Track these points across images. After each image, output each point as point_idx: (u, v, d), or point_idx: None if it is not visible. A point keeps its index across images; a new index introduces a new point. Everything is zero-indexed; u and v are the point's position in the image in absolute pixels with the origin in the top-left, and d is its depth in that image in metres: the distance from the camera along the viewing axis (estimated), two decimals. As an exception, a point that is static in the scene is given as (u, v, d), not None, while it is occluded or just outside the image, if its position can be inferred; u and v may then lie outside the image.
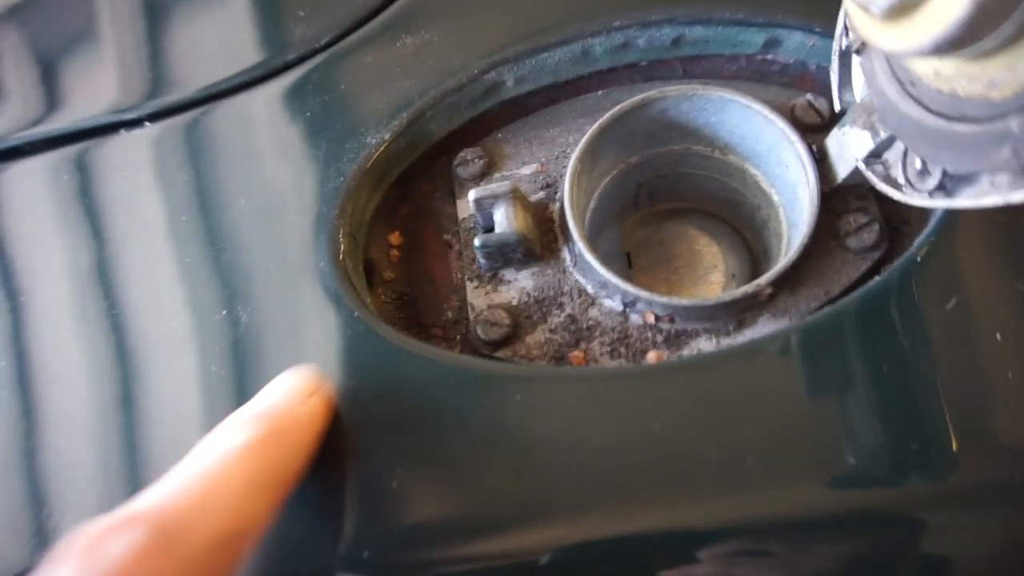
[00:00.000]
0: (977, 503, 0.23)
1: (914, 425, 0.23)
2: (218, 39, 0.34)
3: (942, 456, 0.23)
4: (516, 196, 0.29)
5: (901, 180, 0.25)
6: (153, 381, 0.28)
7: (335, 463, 0.25)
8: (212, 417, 0.27)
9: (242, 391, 0.27)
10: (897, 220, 0.29)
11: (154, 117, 0.33)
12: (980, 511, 0.23)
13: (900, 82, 0.22)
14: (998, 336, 0.23)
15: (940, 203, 0.22)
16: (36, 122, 0.35)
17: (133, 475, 0.27)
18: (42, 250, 0.32)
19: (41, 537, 0.25)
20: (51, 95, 0.35)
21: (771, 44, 0.31)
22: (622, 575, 0.22)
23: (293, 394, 0.23)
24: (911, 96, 0.22)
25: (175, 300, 0.29)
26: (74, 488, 0.27)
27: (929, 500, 0.23)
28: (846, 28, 0.27)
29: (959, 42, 0.17)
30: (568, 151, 0.32)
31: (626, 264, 0.37)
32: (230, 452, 0.21)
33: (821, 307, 0.27)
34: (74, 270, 0.30)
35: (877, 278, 0.26)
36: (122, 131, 0.34)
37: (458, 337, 0.30)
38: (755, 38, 0.31)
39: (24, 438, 0.28)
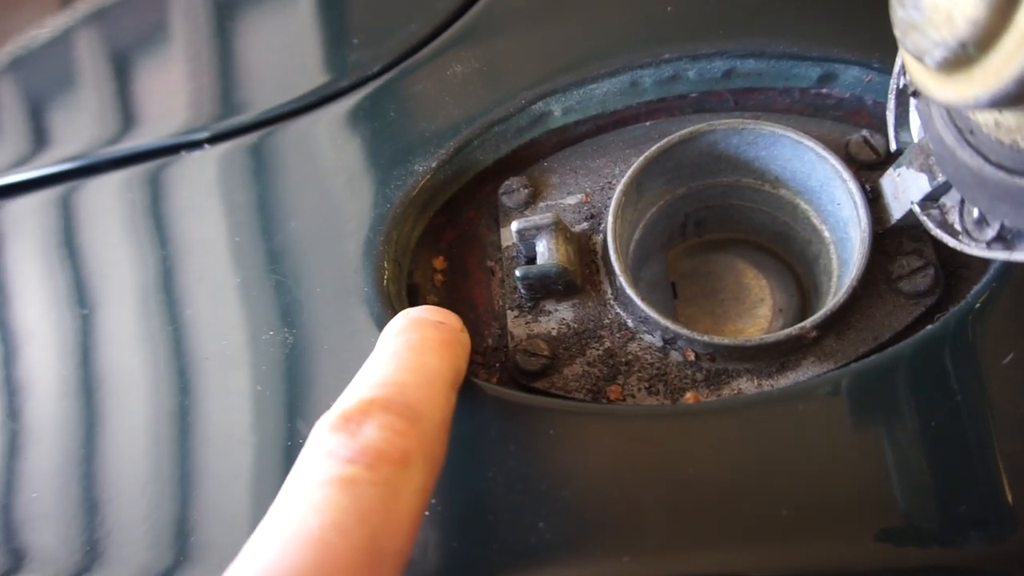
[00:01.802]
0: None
1: (962, 484, 0.22)
2: (274, 66, 0.36)
3: (990, 517, 0.22)
4: (559, 228, 0.29)
5: (958, 227, 0.24)
6: (202, 396, 0.29)
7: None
8: (256, 434, 0.28)
9: (286, 411, 0.28)
10: (954, 264, 0.28)
11: (213, 140, 0.35)
12: None
13: (958, 129, 0.21)
14: (1059, 396, 0.22)
15: (998, 255, 0.22)
16: (109, 141, 0.37)
17: (183, 486, 0.28)
18: (105, 265, 0.33)
19: (92, 544, 0.27)
20: (118, 117, 0.37)
21: (826, 78, 0.30)
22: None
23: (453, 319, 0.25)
24: (969, 144, 0.21)
25: (225, 319, 0.30)
26: (126, 496, 0.28)
27: (979, 561, 0.22)
28: (904, 66, 0.26)
29: (1018, 98, 0.16)
30: (614, 182, 0.32)
31: (671, 294, 0.36)
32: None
33: (869, 353, 0.26)
34: (131, 287, 0.32)
35: (930, 326, 0.25)
36: (183, 152, 0.35)
37: (497, 365, 0.31)
38: (810, 72, 0.30)
39: (81, 446, 0.29)
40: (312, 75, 0.34)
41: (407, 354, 0.22)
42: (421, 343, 0.23)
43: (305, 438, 0.20)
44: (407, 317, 0.24)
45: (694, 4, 0.31)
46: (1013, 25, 0.16)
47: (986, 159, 0.20)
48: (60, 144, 0.38)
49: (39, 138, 0.39)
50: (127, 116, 0.37)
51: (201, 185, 0.33)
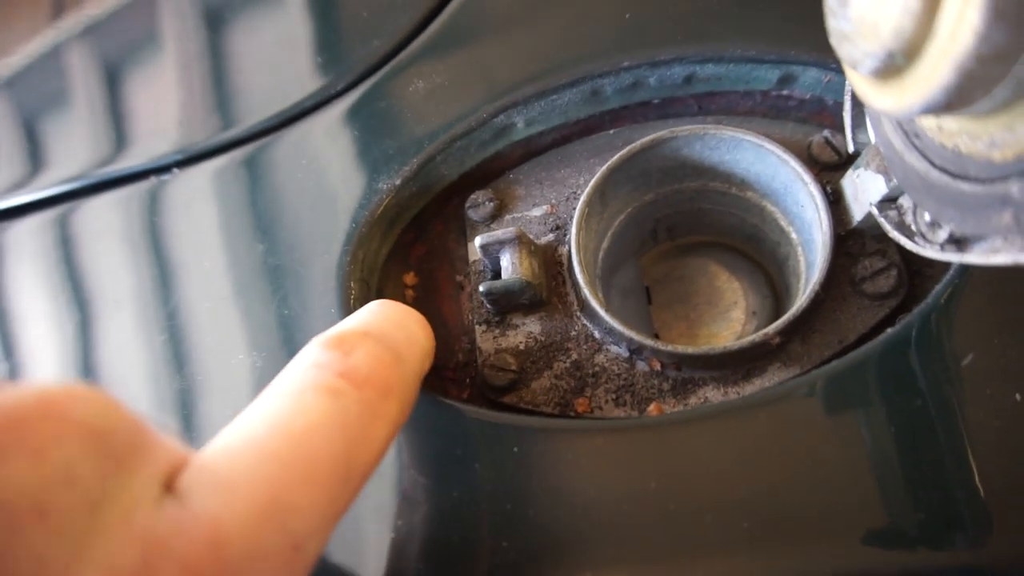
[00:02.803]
0: (997, 567, 0.22)
1: (930, 483, 0.22)
2: (235, 89, 0.36)
3: (959, 515, 0.22)
4: (522, 242, 0.29)
5: (914, 228, 0.24)
6: (170, 419, 0.30)
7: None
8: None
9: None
10: (918, 263, 0.28)
11: (181, 164, 0.35)
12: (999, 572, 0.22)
13: (905, 133, 0.21)
14: (1017, 396, 0.22)
15: (951, 257, 0.21)
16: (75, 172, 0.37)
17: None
18: (40, 296, 0.34)
19: None
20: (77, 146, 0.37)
21: (786, 80, 0.30)
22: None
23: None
24: (916, 148, 0.21)
25: (195, 345, 0.30)
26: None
27: (953, 559, 0.22)
28: (858, 68, 0.26)
29: (949, 106, 0.16)
30: (578, 192, 0.32)
31: (645, 300, 0.36)
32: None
33: (834, 356, 0.26)
34: (93, 314, 0.32)
35: (892, 329, 0.25)
36: (152, 177, 0.35)
37: (468, 380, 0.31)
38: (769, 74, 0.30)
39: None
40: (274, 96, 0.34)
41: (393, 314, 0.24)
42: (405, 312, 0.24)
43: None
44: (386, 301, 0.25)
45: (652, 11, 0.31)
46: (935, 34, 0.15)
47: (931, 163, 0.20)
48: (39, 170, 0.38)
49: (20, 161, 0.39)
50: (93, 143, 0.37)
51: (169, 210, 0.34)
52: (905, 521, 0.21)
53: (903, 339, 0.24)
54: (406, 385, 0.22)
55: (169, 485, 0.17)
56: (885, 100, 0.18)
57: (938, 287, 0.25)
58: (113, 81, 0.39)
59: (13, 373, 0.33)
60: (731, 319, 0.35)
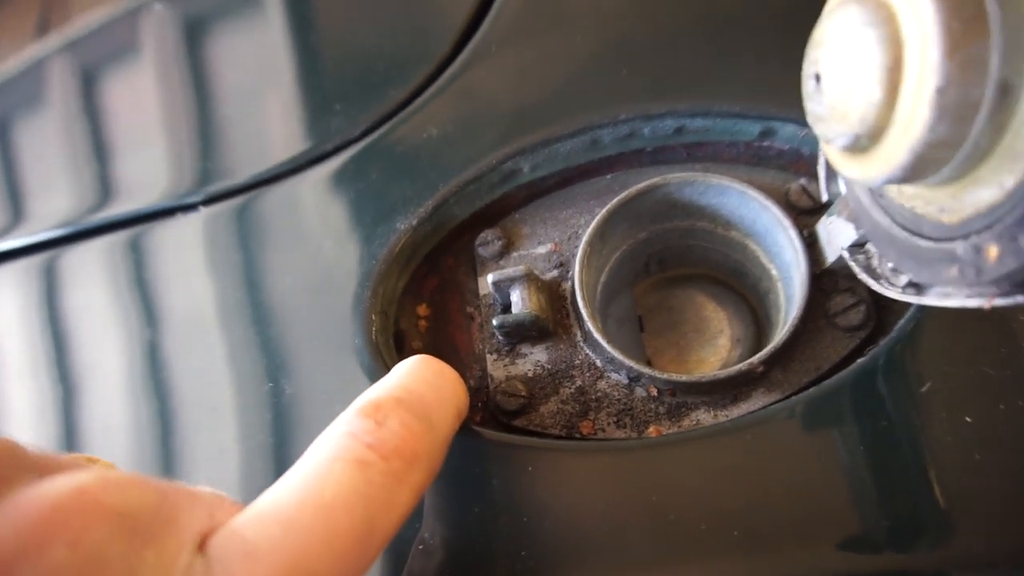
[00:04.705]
0: (957, 571, 0.25)
1: (892, 496, 0.25)
2: (261, 133, 0.38)
3: (918, 525, 0.25)
4: (530, 279, 0.32)
5: (880, 271, 0.27)
6: (204, 446, 0.32)
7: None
8: (256, 480, 0.30)
9: (284, 458, 0.30)
10: (884, 299, 0.31)
11: (207, 202, 0.37)
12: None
13: (871, 191, 0.25)
14: (967, 419, 0.25)
15: (911, 299, 0.25)
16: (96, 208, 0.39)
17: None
18: (103, 324, 0.36)
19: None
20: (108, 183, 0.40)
21: (767, 133, 0.34)
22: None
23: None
24: (880, 206, 0.24)
25: (228, 372, 0.33)
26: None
27: (918, 564, 0.25)
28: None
29: (906, 178, 0.20)
30: (580, 231, 0.35)
31: (638, 328, 0.39)
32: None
33: (812, 383, 0.29)
34: (133, 343, 0.34)
35: (861, 359, 0.28)
36: (179, 214, 0.38)
37: (480, 404, 0.33)
38: (751, 128, 0.34)
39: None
40: (297, 140, 0.37)
41: (428, 375, 0.26)
42: (440, 371, 0.26)
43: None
44: (424, 357, 0.27)
45: (647, 69, 0.34)
46: (894, 123, 0.19)
47: (893, 220, 0.23)
48: (42, 213, 0.40)
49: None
50: (108, 183, 0.40)
51: (198, 246, 0.36)
52: (874, 527, 0.25)
53: (871, 368, 0.27)
54: (434, 451, 0.23)
55: (203, 545, 0.19)
56: (853, 171, 0.21)
57: (901, 321, 0.28)
58: (121, 116, 0.41)
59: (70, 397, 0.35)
60: (718, 346, 0.38)
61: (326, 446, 0.22)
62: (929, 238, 0.22)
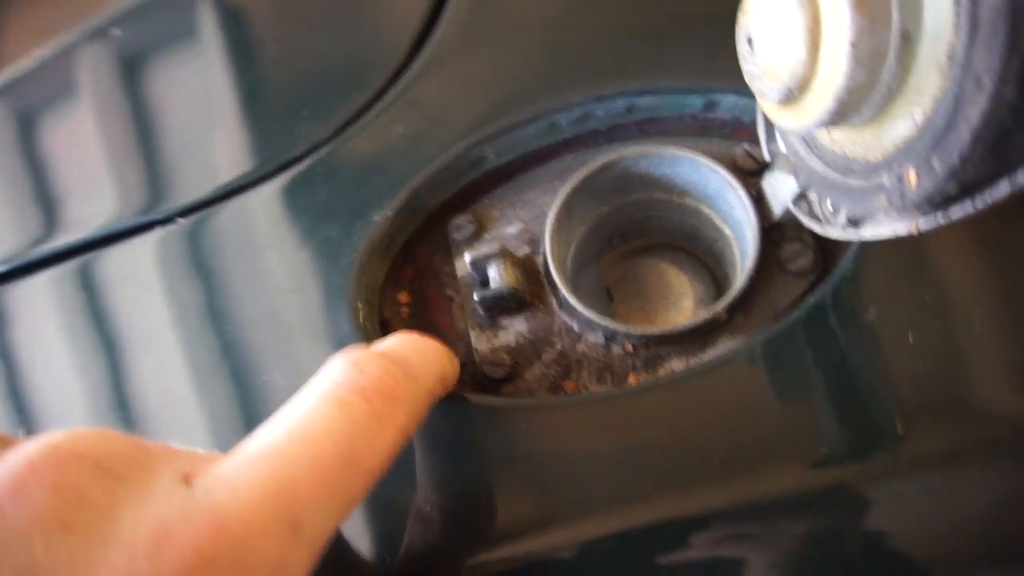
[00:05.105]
0: (913, 469, 0.27)
1: (851, 412, 0.28)
2: (231, 144, 0.40)
3: (876, 435, 0.28)
4: (505, 254, 0.34)
5: (821, 216, 0.30)
6: (203, 441, 0.33)
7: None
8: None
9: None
10: (828, 244, 0.34)
11: (184, 213, 0.38)
12: (917, 476, 0.27)
13: (806, 143, 0.28)
14: (910, 337, 0.28)
15: (850, 235, 0.28)
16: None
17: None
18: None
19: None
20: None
21: (710, 105, 0.37)
22: (629, 565, 0.27)
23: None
24: (815, 154, 0.27)
25: (223, 370, 0.34)
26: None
27: (874, 472, 0.28)
28: (765, 93, 0.32)
29: (833, 121, 0.23)
30: (546, 210, 0.37)
31: (607, 298, 0.42)
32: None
33: (771, 324, 0.32)
34: (125, 346, 0.35)
35: (811, 297, 0.31)
36: (157, 228, 0.39)
37: (467, 378, 0.35)
38: (696, 101, 0.37)
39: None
40: (268, 146, 0.39)
41: (409, 341, 0.28)
42: (422, 338, 0.28)
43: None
44: (407, 332, 0.29)
45: (596, 55, 0.37)
46: (817, 75, 0.22)
47: (828, 165, 0.26)
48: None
49: None
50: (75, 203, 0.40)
51: (181, 256, 0.37)
52: (837, 441, 0.27)
53: (822, 304, 0.30)
54: (414, 398, 0.24)
55: (186, 480, 0.20)
56: (787, 120, 0.24)
57: (843, 262, 0.31)
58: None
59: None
60: (682, 308, 0.41)
61: (310, 392, 0.23)
62: (859, 176, 0.24)
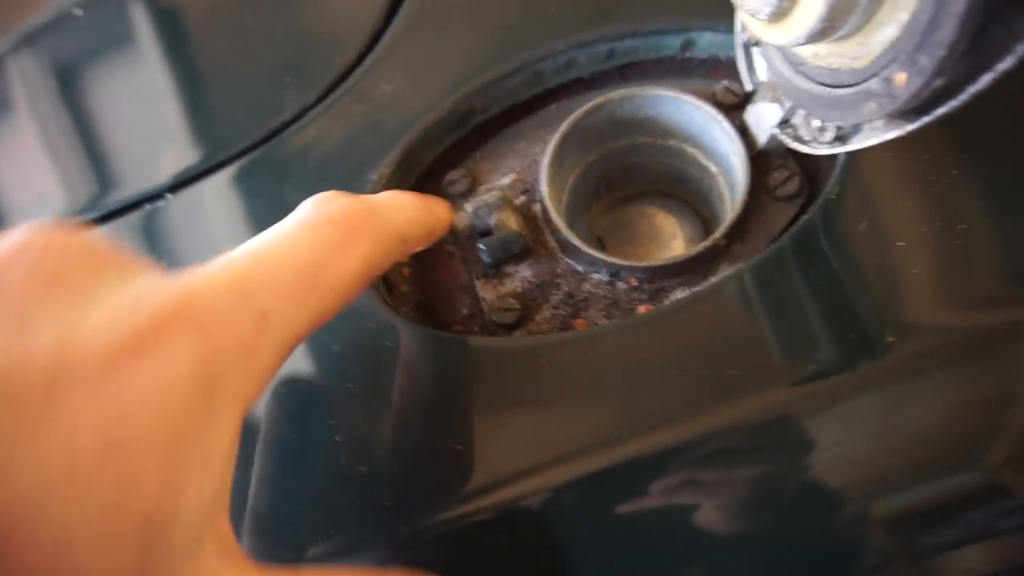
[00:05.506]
0: (909, 373, 0.29)
1: (852, 321, 0.29)
2: (223, 110, 0.39)
3: (876, 341, 0.29)
4: (505, 202, 0.35)
5: (807, 137, 0.31)
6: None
7: (392, 436, 0.30)
8: (290, 424, 0.32)
9: (314, 399, 0.32)
10: (812, 169, 0.36)
11: (173, 189, 0.38)
12: (913, 379, 0.29)
13: (791, 64, 0.29)
14: (900, 244, 0.30)
15: (839, 149, 0.29)
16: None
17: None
18: None
19: None
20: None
21: (687, 45, 0.38)
22: (652, 481, 0.28)
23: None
24: (801, 73, 0.28)
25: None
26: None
27: (872, 377, 0.29)
28: (743, 25, 0.33)
29: (822, 33, 0.24)
30: (537, 159, 0.38)
31: (600, 247, 0.43)
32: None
33: (766, 248, 0.34)
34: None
35: (804, 217, 0.32)
36: (145, 206, 0.38)
37: (476, 328, 0.36)
38: (674, 42, 0.38)
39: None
40: (255, 117, 0.38)
41: (387, 193, 0.29)
42: (399, 193, 0.30)
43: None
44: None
45: (577, 2, 0.38)
46: (808, -15, 0.23)
47: (814, 81, 0.28)
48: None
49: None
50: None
51: (176, 230, 0.37)
52: (840, 346, 0.29)
53: (814, 223, 0.32)
54: (377, 231, 0.25)
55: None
56: (777, 36, 0.25)
57: (830, 181, 0.33)
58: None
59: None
60: (673, 248, 0.42)
61: (277, 224, 0.24)
62: (848, 86, 0.26)
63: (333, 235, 0.24)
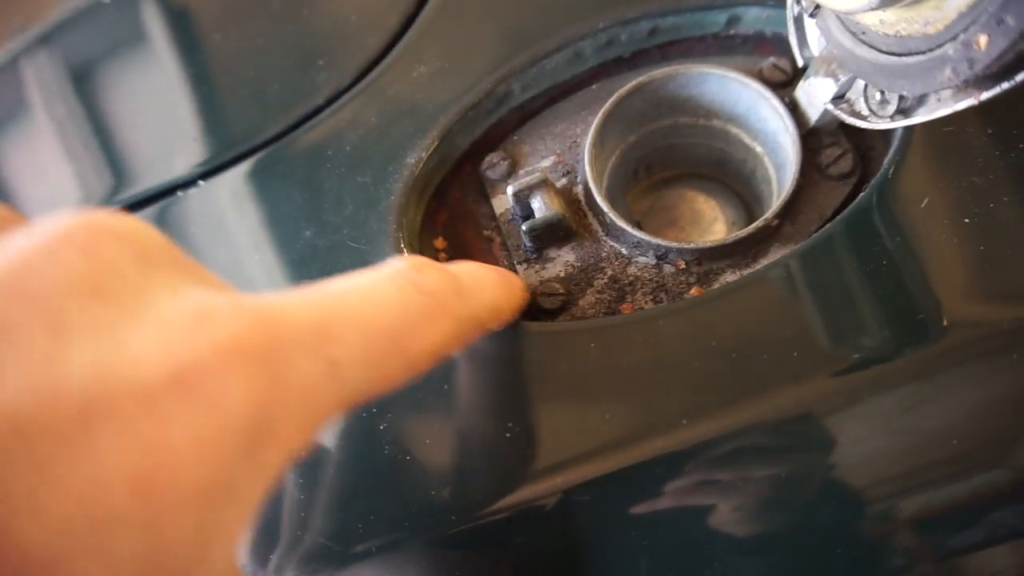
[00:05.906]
0: (969, 358, 0.28)
1: (912, 304, 0.28)
2: (256, 94, 0.39)
3: (936, 325, 0.28)
4: (547, 184, 0.34)
5: (865, 112, 0.30)
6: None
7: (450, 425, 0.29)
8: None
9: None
10: (864, 147, 0.34)
11: (207, 175, 0.37)
12: (972, 364, 0.28)
13: (853, 33, 0.28)
14: (966, 220, 0.28)
15: (901, 123, 0.28)
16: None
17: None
18: None
19: None
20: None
21: (732, 21, 0.37)
22: (723, 462, 0.27)
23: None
24: (864, 43, 0.27)
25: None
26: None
27: (932, 362, 0.28)
28: (796, -2, 0.32)
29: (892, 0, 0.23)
30: (577, 141, 0.37)
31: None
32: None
33: (818, 229, 0.33)
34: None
35: (860, 195, 0.31)
36: (179, 192, 0.38)
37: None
38: (718, 18, 0.36)
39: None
40: (291, 99, 0.38)
41: (472, 266, 0.27)
42: (486, 269, 0.28)
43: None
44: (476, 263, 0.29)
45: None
46: (885, -57, 0.22)
47: (880, 50, 0.26)
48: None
49: None
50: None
51: (213, 215, 0.36)
52: (893, 329, 0.28)
53: (869, 203, 0.31)
54: (461, 316, 0.24)
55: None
56: (846, 3, 0.24)
57: (887, 159, 0.32)
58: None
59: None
60: (715, 232, 0.41)
61: (370, 271, 0.22)
62: (919, 53, 0.25)
63: (422, 304, 0.22)
